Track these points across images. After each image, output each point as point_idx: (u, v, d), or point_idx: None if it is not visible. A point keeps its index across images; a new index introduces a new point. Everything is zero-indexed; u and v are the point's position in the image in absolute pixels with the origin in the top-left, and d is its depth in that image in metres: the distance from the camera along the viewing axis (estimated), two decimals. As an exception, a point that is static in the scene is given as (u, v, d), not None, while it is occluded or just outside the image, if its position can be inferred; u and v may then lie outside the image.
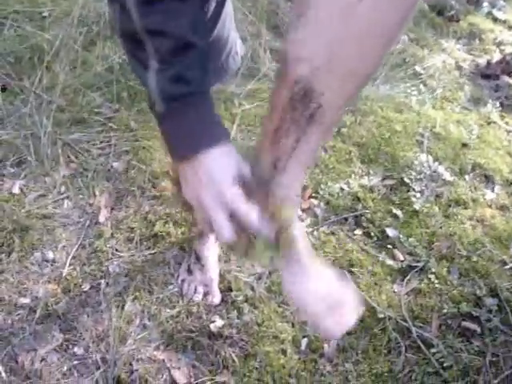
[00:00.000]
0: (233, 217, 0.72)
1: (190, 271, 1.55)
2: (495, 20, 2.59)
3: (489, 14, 2.59)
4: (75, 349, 1.44)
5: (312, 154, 0.72)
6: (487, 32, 2.51)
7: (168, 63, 0.68)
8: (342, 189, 1.76)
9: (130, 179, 1.80)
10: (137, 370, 1.39)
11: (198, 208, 0.75)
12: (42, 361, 1.42)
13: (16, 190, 1.77)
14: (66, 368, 1.40)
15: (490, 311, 1.49)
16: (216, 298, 1.51)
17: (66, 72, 1.95)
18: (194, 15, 0.69)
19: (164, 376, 1.39)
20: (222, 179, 0.72)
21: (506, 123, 2.08)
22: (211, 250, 1.56)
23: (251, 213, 0.71)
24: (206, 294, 1.52)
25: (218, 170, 0.72)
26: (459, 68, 2.29)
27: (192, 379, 1.39)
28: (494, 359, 1.42)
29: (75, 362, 1.41)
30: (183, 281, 1.55)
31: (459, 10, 2.59)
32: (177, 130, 0.72)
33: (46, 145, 1.82)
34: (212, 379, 1.38)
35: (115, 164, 1.84)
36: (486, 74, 2.24)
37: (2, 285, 1.54)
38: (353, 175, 1.81)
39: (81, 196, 1.76)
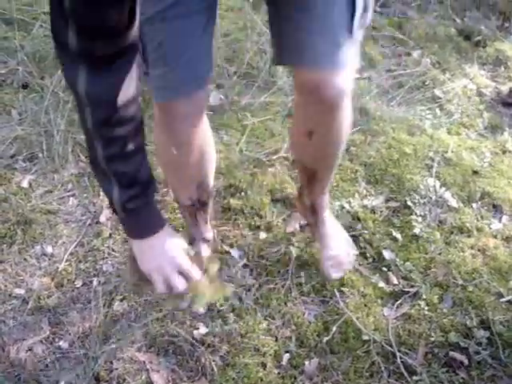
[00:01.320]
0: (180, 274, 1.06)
1: None
2: (524, 48, 2.54)
3: (518, 41, 2.54)
4: (61, 342, 1.47)
5: None
6: (514, 60, 2.46)
7: (126, 189, 0.98)
8: (342, 207, 1.75)
9: (134, 182, 1.83)
10: (116, 369, 1.41)
11: (155, 271, 1.05)
12: (27, 351, 1.45)
13: (25, 184, 1.83)
14: (49, 360, 1.44)
15: (479, 344, 1.45)
16: (202, 308, 1.51)
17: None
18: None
19: (143, 377, 1.40)
20: (173, 250, 1.06)
21: (523, 153, 2.03)
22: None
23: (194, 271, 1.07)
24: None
25: (169, 244, 1.06)
26: (480, 94, 2.24)
27: (170, 383, 1.40)
28: (478, 393, 1.38)
29: (59, 356, 1.44)
30: None
31: (487, 35, 2.54)
32: (135, 224, 1.04)
33: (58, 143, 1.88)
34: (189, 385, 1.39)
35: (122, 166, 1.87)
36: (508, 101, 2.20)
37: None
38: (356, 194, 1.79)
39: (85, 195, 1.80)
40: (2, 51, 2.29)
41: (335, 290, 1.55)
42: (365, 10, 1.08)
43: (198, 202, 1.49)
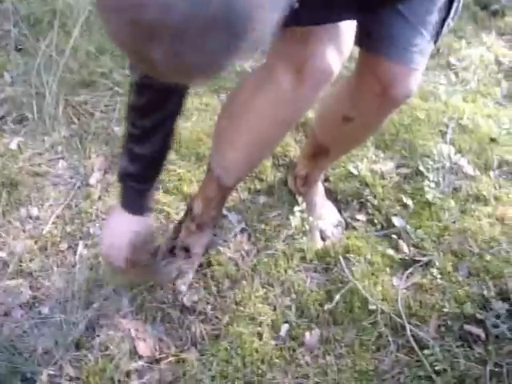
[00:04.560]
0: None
1: (173, 253, 1.42)
2: (544, 20, 2.39)
3: (538, 12, 2.40)
4: (41, 308, 1.36)
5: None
6: (533, 31, 2.32)
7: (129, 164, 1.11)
8: (350, 172, 1.63)
9: (128, 145, 1.72)
10: (99, 336, 1.30)
11: (109, 238, 1.19)
12: (5, 315, 1.34)
13: (13, 146, 1.73)
14: (27, 326, 1.32)
15: (497, 316, 1.31)
16: (184, 287, 1.37)
17: (81, 35, 1.91)
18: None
19: (127, 346, 1.28)
20: (121, 236, 1.15)
21: (544, 123, 1.88)
22: (204, 245, 1.42)
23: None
24: (176, 277, 1.40)
25: (122, 228, 1.16)
26: (498, 63, 2.11)
27: (156, 353, 1.28)
28: (496, 369, 1.24)
29: (37, 321, 1.33)
30: (163, 259, 1.43)
31: (506, 5, 2.40)
32: (123, 193, 1.15)
33: (49, 104, 1.77)
34: (177, 355, 1.27)
35: (116, 129, 1.77)
36: (528, 71, 2.07)
37: (-19, 237, 1.49)
38: (364, 159, 1.67)
39: (76, 156, 1.69)
40: (-4, 14, 2.20)
41: (340, 256, 1.43)
42: (453, 16, 1.06)
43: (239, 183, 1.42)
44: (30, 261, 1.44)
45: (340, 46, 0.97)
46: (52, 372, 1.23)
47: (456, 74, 2.04)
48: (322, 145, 1.37)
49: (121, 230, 1.16)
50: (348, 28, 0.99)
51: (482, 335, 1.30)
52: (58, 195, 1.60)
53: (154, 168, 1.13)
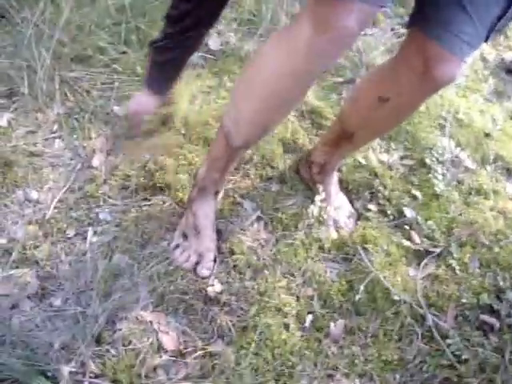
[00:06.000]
0: None
1: (185, 236, 1.38)
2: (522, 18, 2.48)
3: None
4: (52, 299, 1.27)
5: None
6: (513, 29, 2.40)
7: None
8: (359, 162, 1.63)
9: (130, 126, 1.63)
10: (120, 330, 1.23)
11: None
12: (13, 308, 1.25)
13: (4, 123, 1.60)
14: (39, 319, 1.24)
15: (511, 306, 1.37)
16: (206, 271, 1.34)
17: (71, 7, 1.77)
18: None
19: (150, 339, 1.23)
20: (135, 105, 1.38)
21: (529, 120, 1.97)
22: (210, 217, 1.39)
23: None
24: (197, 263, 1.35)
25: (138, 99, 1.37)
26: (484, 60, 2.17)
27: (181, 346, 1.24)
28: (512, 358, 1.29)
29: (51, 314, 1.25)
30: (177, 246, 1.38)
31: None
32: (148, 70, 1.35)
33: (42, 79, 1.64)
34: (204, 348, 1.23)
35: (116, 108, 1.67)
36: (511, 69, 2.15)
37: (-25, 221, 1.37)
38: (371, 150, 1.67)
39: (75, 136, 1.59)
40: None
41: (359, 247, 1.43)
42: (509, 18, 1.06)
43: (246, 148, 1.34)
44: (35, 248, 1.35)
45: (363, 18, 0.95)
46: (73, 369, 1.16)
47: (447, 68, 2.08)
48: (347, 130, 1.36)
49: (136, 100, 1.37)
50: (373, 12, 0.99)
51: (497, 325, 1.35)
52: (58, 177, 1.50)
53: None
